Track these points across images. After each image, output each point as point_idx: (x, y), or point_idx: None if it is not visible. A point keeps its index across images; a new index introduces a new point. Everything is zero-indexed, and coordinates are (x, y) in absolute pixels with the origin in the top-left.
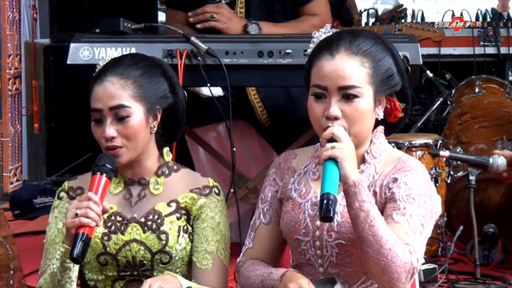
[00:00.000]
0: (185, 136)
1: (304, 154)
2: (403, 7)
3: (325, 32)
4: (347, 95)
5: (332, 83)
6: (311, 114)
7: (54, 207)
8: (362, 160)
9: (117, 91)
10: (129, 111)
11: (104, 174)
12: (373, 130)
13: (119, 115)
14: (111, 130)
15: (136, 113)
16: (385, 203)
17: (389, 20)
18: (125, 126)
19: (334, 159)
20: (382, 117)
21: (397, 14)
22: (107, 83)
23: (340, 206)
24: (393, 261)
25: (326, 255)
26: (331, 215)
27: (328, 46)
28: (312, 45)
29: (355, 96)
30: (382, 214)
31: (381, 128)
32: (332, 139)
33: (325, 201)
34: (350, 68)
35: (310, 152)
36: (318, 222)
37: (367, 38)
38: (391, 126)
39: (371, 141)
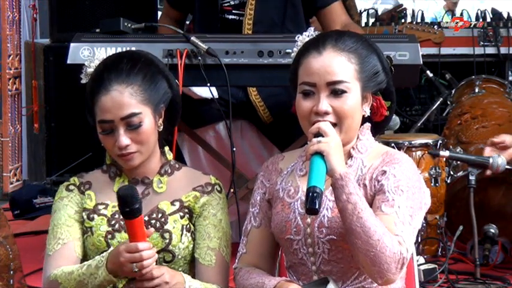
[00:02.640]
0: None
1: (292, 155)
2: (402, 7)
3: (308, 35)
4: (336, 90)
5: (321, 79)
6: (299, 112)
7: (62, 197)
8: (348, 156)
9: (126, 100)
10: (140, 117)
11: (138, 216)
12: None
13: (132, 124)
14: (125, 139)
15: (147, 117)
16: (375, 195)
17: (389, 20)
18: (138, 133)
19: (320, 154)
20: (369, 115)
21: (396, 14)
22: (114, 93)
23: (330, 202)
24: (382, 252)
25: (318, 252)
26: (317, 207)
27: (314, 45)
28: (295, 49)
29: (344, 91)
30: (372, 207)
31: (367, 124)
32: (318, 133)
33: (310, 194)
34: (338, 63)
35: (298, 153)
36: (309, 220)
37: (352, 37)
38: (377, 126)
39: (357, 138)
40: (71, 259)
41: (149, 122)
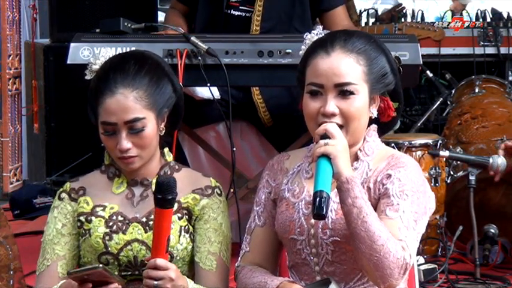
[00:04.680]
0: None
1: (298, 155)
2: (401, 6)
3: (317, 33)
4: (343, 91)
5: (328, 81)
6: (306, 112)
7: (54, 207)
8: (355, 158)
9: (131, 104)
10: (144, 122)
11: (168, 208)
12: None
13: (135, 128)
14: (127, 143)
15: (150, 122)
16: (379, 198)
17: (389, 19)
18: (141, 137)
19: (327, 156)
20: (376, 116)
21: (396, 13)
22: (120, 96)
23: (334, 204)
24: (386, 257)
25: (321, 253)
26: (324, 212)
27: (322, 45)
28: (303, 47)
29: (351, 93)
30: (376, 210)
31: (374, 126)
32: (325, 135)
33: (317, 199)
34: (346, 65)
35: (303, 153)
36: (313, 221)
37: (360, 37)
38: (384, 126)
39: (364, 139)
40: (54, 280)
41: (152, 127)
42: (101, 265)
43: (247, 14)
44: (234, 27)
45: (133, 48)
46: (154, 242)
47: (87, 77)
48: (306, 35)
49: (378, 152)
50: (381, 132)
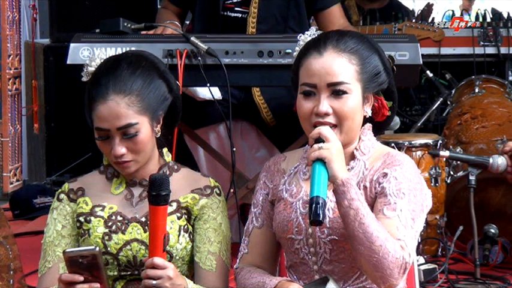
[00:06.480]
0: (184, 136)
1: (294, 156)
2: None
3: (310, 34)
4: (336, 91)
5: (321, 80)
6: (300, 113)
7: (53, 209)
8: (351, 157)
9: (123, 110)
10: (137, 127)
11: (162, 205)
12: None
13: (128, 133)
14: (121, 149)
15: (144, 126)
16: (376, 197)
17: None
18: (135, 143)
19: (322, 160)
20: (370, 115)
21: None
22: (111, 103)
23: (332, 202)
24: (385, 257)
25: (320, 252)
26: (321, 219)
27: (315, 45)
28: (297, 48)
29: (344, 92)
30: (373, 208)
31: (368, 125)
32: (319, 139)
33: (314, 205)
34: (338, 64)
35: (299, 154)
36: None
37: (353, 37)
38: (378, 126)
39: (359, 138)
40: (56, 282)
41: (146, 131)
42: (97, 248)
43: (243, 15)
44: (231, 29)
45: (133, 48)
46: (151, 241)
47: (84, 79)
48: (300, 36)
49: (373, 150)
50: (376, 131)
